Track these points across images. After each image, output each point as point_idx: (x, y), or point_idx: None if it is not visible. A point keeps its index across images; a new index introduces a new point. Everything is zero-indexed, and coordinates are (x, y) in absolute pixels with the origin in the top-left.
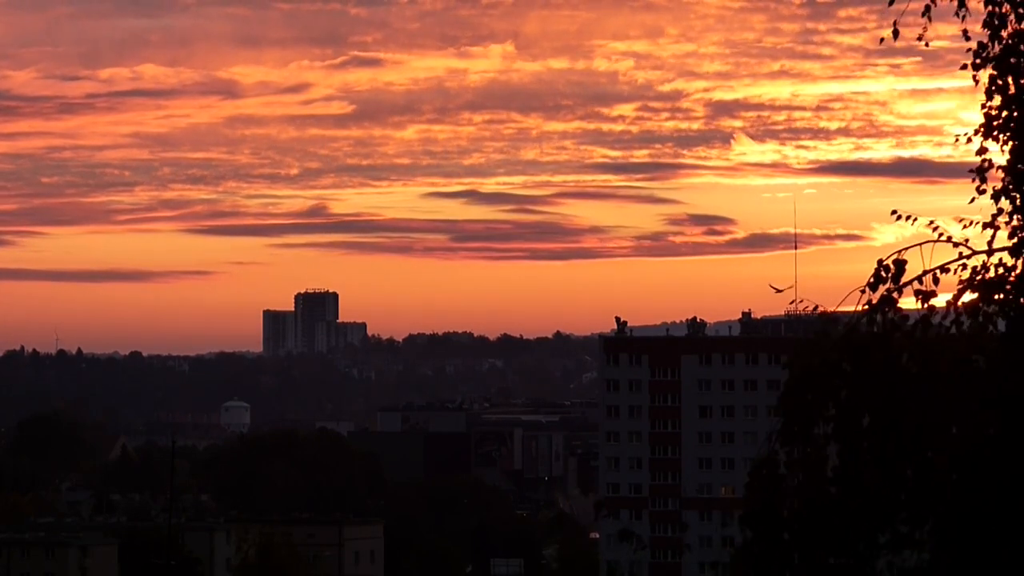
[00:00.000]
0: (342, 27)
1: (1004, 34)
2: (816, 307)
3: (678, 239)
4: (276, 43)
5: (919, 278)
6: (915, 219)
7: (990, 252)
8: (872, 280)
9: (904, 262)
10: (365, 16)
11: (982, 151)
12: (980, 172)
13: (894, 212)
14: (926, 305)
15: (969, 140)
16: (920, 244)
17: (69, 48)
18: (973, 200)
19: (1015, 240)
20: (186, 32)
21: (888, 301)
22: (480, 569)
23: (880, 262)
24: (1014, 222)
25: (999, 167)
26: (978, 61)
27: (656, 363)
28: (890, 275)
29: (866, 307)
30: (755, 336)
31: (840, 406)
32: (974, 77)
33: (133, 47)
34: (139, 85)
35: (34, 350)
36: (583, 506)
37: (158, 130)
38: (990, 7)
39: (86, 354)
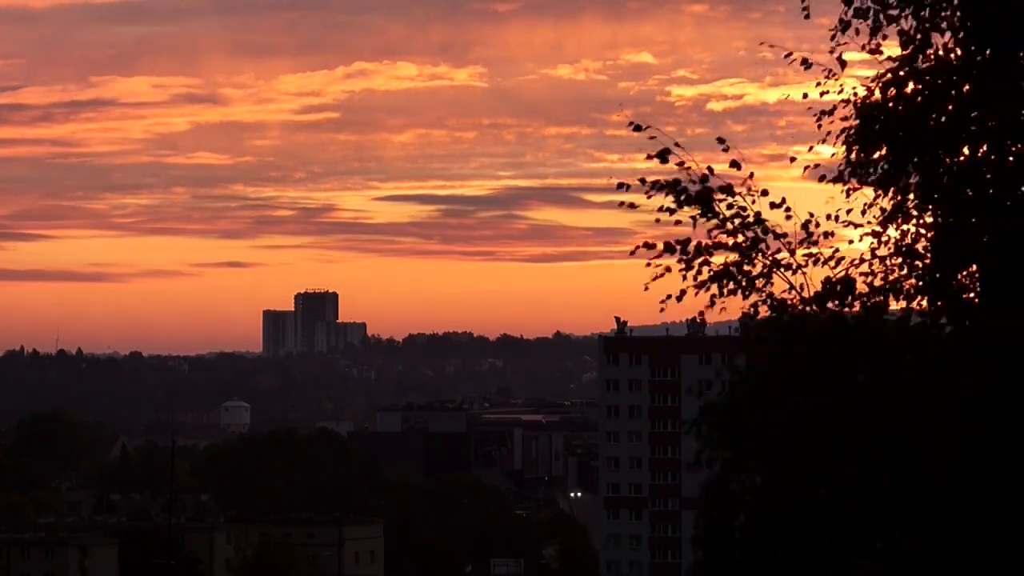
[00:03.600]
0: (340, 34)
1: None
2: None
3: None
4: (275, 50)
5: (868, 295)
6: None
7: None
8: (819, 294)
9: (853, 280)
10: (361, 23)
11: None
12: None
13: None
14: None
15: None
16: (867, 260)
17: (70, 53)
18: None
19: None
20: (186, 39)
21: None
22: (480, 569)
23: (828, 279)
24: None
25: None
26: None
27: (656, 363)
28: (839, 292)
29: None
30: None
31: (792, 413)
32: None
33: (133, 54)
34: (141, 90)
35: (34, 350)
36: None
37: (159, 134)
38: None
39: (86, 354)
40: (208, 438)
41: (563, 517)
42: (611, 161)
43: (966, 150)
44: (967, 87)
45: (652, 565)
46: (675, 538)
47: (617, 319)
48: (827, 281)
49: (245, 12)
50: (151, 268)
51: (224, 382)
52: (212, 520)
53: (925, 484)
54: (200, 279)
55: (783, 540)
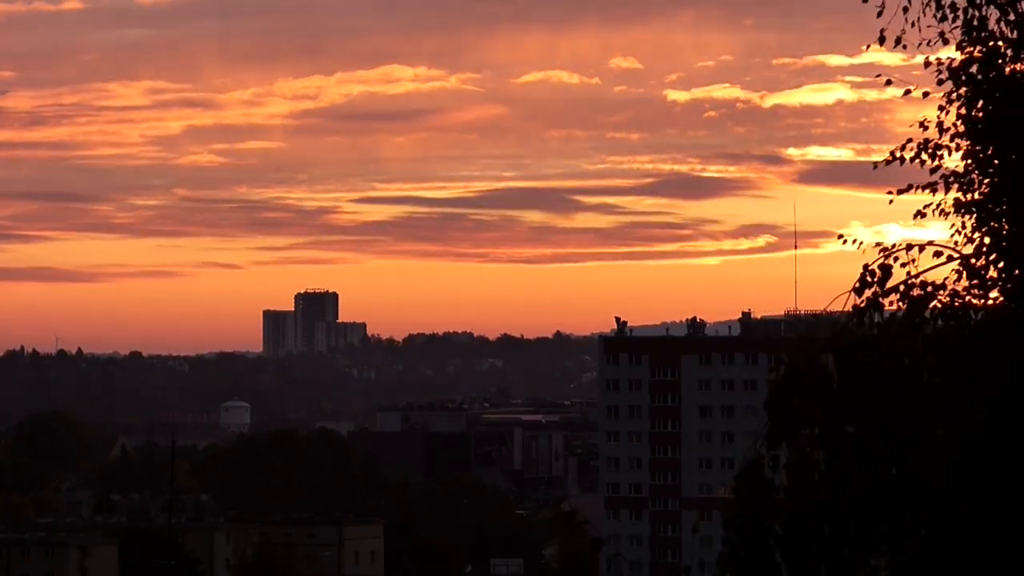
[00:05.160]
0: (339, 39)
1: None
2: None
3: (681, 245)
4: (273, 55)
5: (904, 283)
6: (861, 242)
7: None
8: (858, 285)
9: (889, 267)
10: (359, 27)
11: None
12: (946, 181)
13: (840, 236)
14: (913, 308)
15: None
16: (906, 248)
17: (72, 55)
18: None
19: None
20: (184, 44)
21: (875, 305)
22: (480, 569)
23: (866, 267)
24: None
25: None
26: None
27: (656, 363)
28: (876, 280)
29: (852, 309)
30: (755, 336)
31: (826, 409)
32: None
33: (133, 58)
34: (139, 94)
35: (34, 350)
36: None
37: (158, 137)
38: (971, 10)
39: (86, 354)
40: (208, 438)
41: (563, 517)
42: (612, 162)
43: None
44: None
45: (652, 565)
46: (675, 538)
47: (617, 319)
48: (865, 269)
49: (243, 17)
50: (151, 269)
51: (224, 382)
52: (212, 520)
53: (925, 484)
54: (200, 279)
55: (810, 533)
